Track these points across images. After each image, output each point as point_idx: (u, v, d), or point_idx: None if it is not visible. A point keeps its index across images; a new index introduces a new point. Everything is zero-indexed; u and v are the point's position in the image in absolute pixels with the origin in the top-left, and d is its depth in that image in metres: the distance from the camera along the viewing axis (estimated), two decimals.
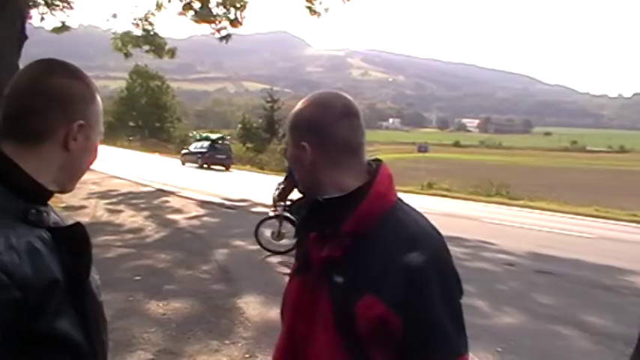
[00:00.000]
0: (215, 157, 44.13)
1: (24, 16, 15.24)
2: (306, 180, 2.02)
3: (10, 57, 14.02)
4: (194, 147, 46.90)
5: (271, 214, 12.77)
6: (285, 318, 2.10)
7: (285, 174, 12.86)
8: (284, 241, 12.47)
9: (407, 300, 1.72)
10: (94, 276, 1.67)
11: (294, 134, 1.99)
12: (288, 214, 12.37)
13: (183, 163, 45.42)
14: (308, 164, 1.95)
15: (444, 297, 1.76)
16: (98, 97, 1.74)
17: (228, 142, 49.42)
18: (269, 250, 12.41)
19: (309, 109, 1.96)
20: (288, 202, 12.36)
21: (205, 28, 25.93)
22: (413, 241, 1.78)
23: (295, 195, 12.28)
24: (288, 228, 12.47)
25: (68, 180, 1.71)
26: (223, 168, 43.88)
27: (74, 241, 1.58)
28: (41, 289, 1.43)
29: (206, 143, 45.83)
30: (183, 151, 48.33)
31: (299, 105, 2.01)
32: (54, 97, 1.60)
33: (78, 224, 1.64)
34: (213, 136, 48.62)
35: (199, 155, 44.83)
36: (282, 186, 12.37)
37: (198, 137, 50.72)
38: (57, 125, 1.61)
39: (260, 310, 8.73)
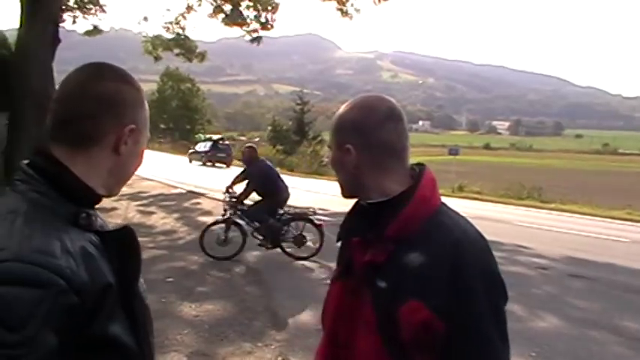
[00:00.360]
0: (217, 156, 49.32)
1: (57, 20, 15.42)
2: (348, 183, 2.01)
3: (44, 60, 14.21)
4: (199, 147, 52.43)
5: (220, 217, 12.49)
6: (326, 323, 2.09)
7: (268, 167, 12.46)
8: (228, 247, 12.08)
9: (452, 305, 1.72)
10: (140, 279, 1.67)
11: (338, 137, 1.98)
12: (238, 220, 12.24)
13: (190, 161, 50.46)
14: (352, 167, 1.94)
15: (490, 304, 1.75)
16: (146, 102, 1.74)
17: (228, 143, 54.81)
18: (211, 257, 11.85)
19: (354, 112, 1.95)
20: (242, 206, 12.34)
21: (235, 31, 26.06)
22: (458, 246, 1.77)
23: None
24: (235, 234, 12.15)
25: (116, 184, 1.70)
26: (224, 165, 48.03)
27: (123, 245, 1.58)
28: (96, 294, 1.42)
29: (209, 143, 51.52)
30: (190, 151, 53.60)
31: (343, 108, 2.00)
32: (105, 102, 1.59)
33: (127, 227, 1.64)
34: (215, 137, 54.54)
35: (203, 154, 50.08)
36: (238, 185, 12.41)
37: (202, 138, 56.42)
38: (108, 129, 1.60)
39: (292, 312, 8.72)
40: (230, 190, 12.46)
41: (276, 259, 12.13)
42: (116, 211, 17.72)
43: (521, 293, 10.31)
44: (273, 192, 12.18)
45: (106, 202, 18.62)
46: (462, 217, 1.95)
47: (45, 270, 1.34)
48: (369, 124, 1.92)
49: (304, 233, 12.47)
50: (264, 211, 12.15)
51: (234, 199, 12.21)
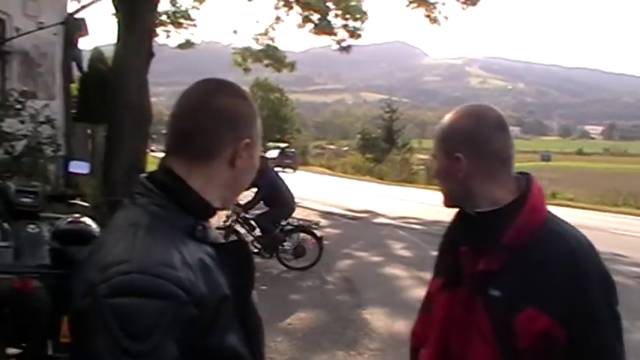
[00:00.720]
0: (284, 161, 54.05)
1: (152, 35, 15.86)
2: (455, 192, 2.00)
3: (139, 74, 14.61)
4: (269, 154, 55.78)
5: (221, 224, 12.39)
6: (435, 334, 2.07)
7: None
8: None
9: (573, 314, 1.75)
10: (253, 291, 1.69)
11: (446, 145, 1.97)
12: (238, 228, 12.30)
13: None
14: (461, 176, 1.93)
15: (609, 309, 1.83)
16: (259, 116, 1.77)
17: (293, 150, 61.28)
18: None
19: (464, 121, 1.94)
20: (246, 215, 12.38)
21: (323, 41, 26.23)
22: (575, 255, 1.80)
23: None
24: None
25: (230, 196, 1.73)
26: (291, 170, 53.24)
27: (238, 257, 1.61)
28: (213, 306, 1.45)
29: (277, 150, 57.14)
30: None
31: (449, 117, 2.00)
32: (224, 117, 1.63)
33: (240, 240, 1.69)
34: (282, 145, 60.99)
35: (271, 159, 51.22)
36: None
37: (272, 146, 60.87)
38: (226, 144, 1.63)
39: (385, 321, 8.72)
40: (240, 215, 12.51)
41: (368, 268, 12.13)
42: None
43: (620, 303, 9.99)
44: (281, 203, 12.22)
45: None
46: (570, 225, 1.96)
47: (167, 282, 1.37)
48: (481, 132, 1.92)
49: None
50: (270, 221, 12.20)
51: (238, 207, 12.22)
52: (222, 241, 1.67)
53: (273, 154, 54.94)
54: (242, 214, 12.37)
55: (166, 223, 1.51)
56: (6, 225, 5.28)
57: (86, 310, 1.38)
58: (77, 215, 5.16)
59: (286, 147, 60.09)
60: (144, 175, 1.66)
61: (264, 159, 12.52)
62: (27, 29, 14.63)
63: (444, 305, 2.02)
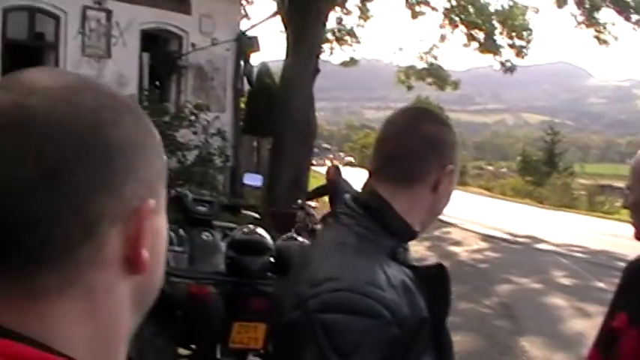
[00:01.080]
0: None
1: (319, 53, 16.24)
2: None
3: (307, 90, 15.01)
4: None
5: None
6: None
7: None
8: None
9: None
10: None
11: None
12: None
13: None
14: None
15: None
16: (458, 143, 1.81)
17: None
18: None
19: None
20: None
21: (485, 60, 25.96)
22: None
23: None
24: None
25: (429, 221, 1.76)
26: None
27: (434, 281, 1.63)
28: (414, 328, 1.48)
29: None
30: None
31: None
32: (430, 143, 1.67)
33: (440, 264, 1.70)
34: None
35: None
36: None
37: None
38: (432, 169, 1.66)
39: (543, 351, 8.46)
40: (304, 204, 12.31)
41: (528, 294, 11.81)
42: None
43: None
44: None
45: None
46: None
47: (374, 302, 1.41)
48: None
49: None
50: None
51: (309, 215, 12.03)
52: (424, 264, 1.71)
53: None
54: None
55: (372, 244, 1.55)
56: (182, 231, 5.53)
57: (296, 323, 1.44)
58: (251, 226, 5.32)
59: None
60: (349, 196, 1.73)
61: (336, 169, 12.48)
62: (202, 45, 15.37)
63: (634, 345, 1.94)
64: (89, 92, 0.73)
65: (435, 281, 1.62)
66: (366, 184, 1.71)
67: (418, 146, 1.65)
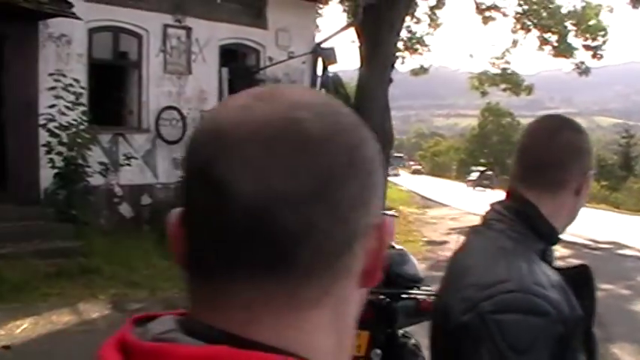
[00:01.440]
0: (482, 182, 61.07)
1: (393, 63, 16.35)
2: None
3: (382, 99, 15.15)
4: (471, 176, 67.24)
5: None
6: None
7: None
8: None
9: None
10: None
11: None
12: None
13: (467, 187, 62.76)
14: None
15: None
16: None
17: (491, 172, 66.17)
18: None
19: None
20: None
21: (554, 63, 25.64)
22: None
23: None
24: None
25: (569, 224, 1.86)
26: (489, 189, 55.81)
27: (579, 282, 1.73)
28: (573, 326, 1.57)
29: (477, 173, 66.03)
30: (467, 178, 67.92)
31: None
32: (573, 151, 1.78)
33: (584, 265, 1.82)
34: (481, 168, 68.93)
35: (472, 181, 63.94)
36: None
37: (474, 169, 69.91)
38: (575, 175, 1.77)
39: (636, 357, 8.47)
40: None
41: (616, 301, 11.63)
42: (446, 244, 18.02)
43: None
44: None
45: (435, 236, 19.28)
46: None
47: (543, 301, 1.52)
48: None
49: None
50: None
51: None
52: (570, 265, 1.83)
53: (473, 175, 65.91)
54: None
55: (526, 247, 1.68)
56: None
57: (468, 325, 1.54)
58: None
59: (485, 170, 67.24)
60: (495, 202, 1.85)
61: None
62: (279, 59, 15.59)
63: None
64: (346, 110, 0.78)
65: (579, 282, 1.72)
66: (511, 191, 1.82)
67: (563, 154, 1.76)
